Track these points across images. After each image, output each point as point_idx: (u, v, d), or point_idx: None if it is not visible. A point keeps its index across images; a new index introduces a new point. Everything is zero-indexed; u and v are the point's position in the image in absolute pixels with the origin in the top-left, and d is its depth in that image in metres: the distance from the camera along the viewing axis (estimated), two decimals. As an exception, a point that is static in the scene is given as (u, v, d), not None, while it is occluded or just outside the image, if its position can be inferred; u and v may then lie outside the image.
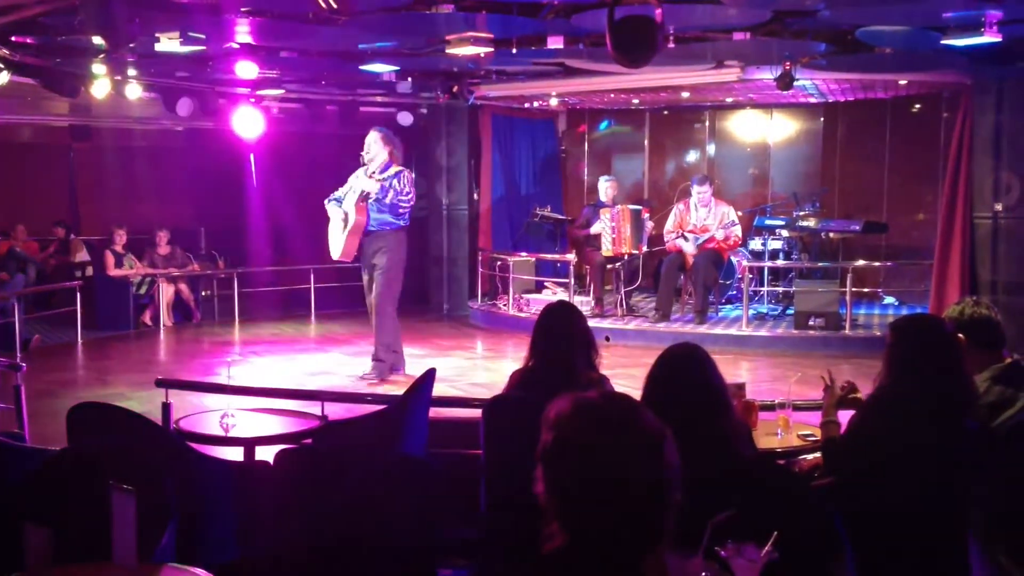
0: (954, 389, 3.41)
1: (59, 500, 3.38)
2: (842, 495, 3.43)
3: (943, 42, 7.71)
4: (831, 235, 12.17)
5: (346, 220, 8.68)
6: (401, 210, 8.67)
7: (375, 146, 8.72)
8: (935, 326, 3.68)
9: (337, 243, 8.78)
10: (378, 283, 8.74)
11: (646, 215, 11.89)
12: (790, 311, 11.32)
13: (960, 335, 3.73)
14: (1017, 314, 9.92)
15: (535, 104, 13.80)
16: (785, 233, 12.29)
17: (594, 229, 11.63)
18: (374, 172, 8.66)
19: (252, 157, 14.56)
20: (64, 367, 10.18)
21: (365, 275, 8.95)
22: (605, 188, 11.96)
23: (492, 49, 8.58)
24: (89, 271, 13.17)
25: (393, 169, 8.66)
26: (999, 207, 10.25)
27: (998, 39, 7.29)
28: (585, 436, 1.92)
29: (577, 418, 1.95)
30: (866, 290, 12.21)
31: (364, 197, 8.60)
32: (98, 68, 9.97)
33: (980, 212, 10.35)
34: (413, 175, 8.82)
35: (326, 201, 8.88)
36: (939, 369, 3.40)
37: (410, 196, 8.71)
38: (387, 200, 8.55)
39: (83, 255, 13.60)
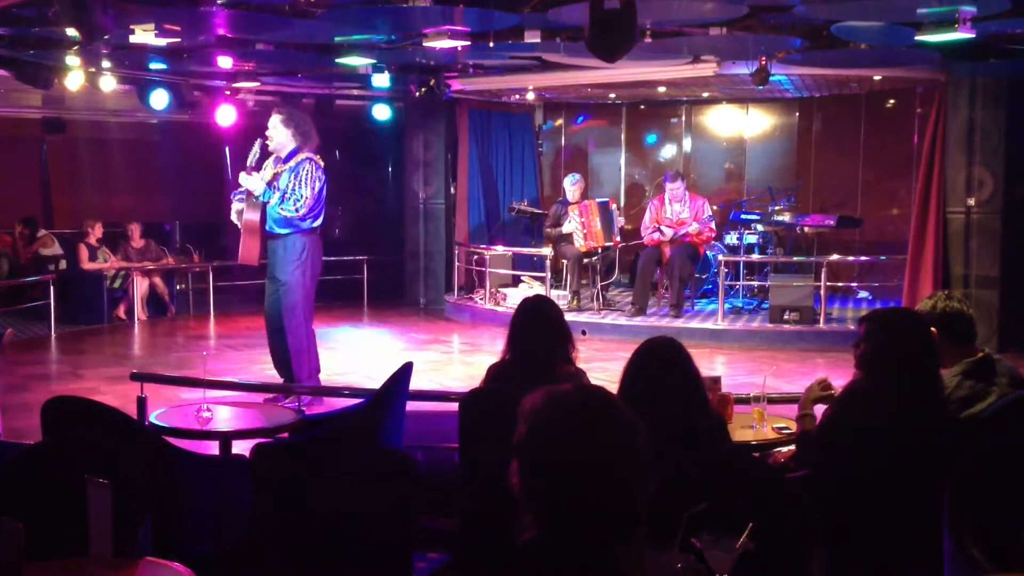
0: (926, 383, 3.43)
1: (34, 494, 3.37)
2: (816, 487, 3.46)
3: (917, 38, 7.75)
4: (806, 230, 12.26)
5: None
6: (291, 216, 7.12)
7: (275, 130, 7.29)
8: (907, 320, 3.70)
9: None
10: (278, 299, 7.35)
11: (614, 206, 11.94)
12: (765, 305, 11.38)
13: (932, 329, 3.76)
14: (989, 308, 10.04)
15: (512, 98, 13.80)
16: (760, 227, 12.38)
17: (565, 229, 11.65)
18: (279, 163, 7.28)
19: (227, 150, 14.48)
20: (38, 361, 10.10)
21: (268, 284, 7.52)
22: (570, 188, 11.93)
23: (469, 43, 8.58)
24: (63, 264, 13.07)
25: (297, 158, 7.23)
26: (972, 202, 10.36)
27: (972, 35, 7.34)
28: (557, 428, 1.94)
29: (549, 410, 1.96)
30: (840, 284, 12.27)
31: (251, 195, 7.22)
32: (72, 60, 9.88)
33: (953, 207, 10.45)
34: (321, 165, 7.27)
35: (232, 194, 7.50)
36: (911, 363, 3.42)
37: (303, 199, 7.07)
38: (271, 204, 7.11)
39: (53, 249, 13.45)
